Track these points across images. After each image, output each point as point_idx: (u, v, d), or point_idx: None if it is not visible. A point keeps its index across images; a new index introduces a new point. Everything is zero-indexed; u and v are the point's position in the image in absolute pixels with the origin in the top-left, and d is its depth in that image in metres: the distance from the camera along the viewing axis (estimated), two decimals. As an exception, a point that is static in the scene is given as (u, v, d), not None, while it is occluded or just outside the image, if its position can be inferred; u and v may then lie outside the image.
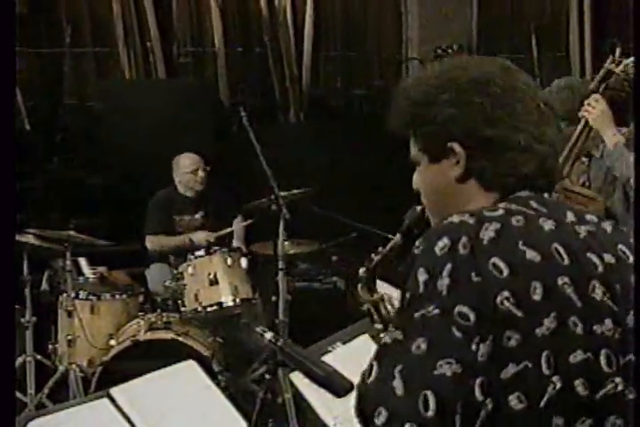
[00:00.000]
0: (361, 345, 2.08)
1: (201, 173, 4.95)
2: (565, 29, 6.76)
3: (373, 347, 2.02)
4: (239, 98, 6.39)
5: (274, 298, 4.22)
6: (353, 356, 2.01)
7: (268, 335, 1.69)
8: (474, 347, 1.17)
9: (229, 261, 4.41)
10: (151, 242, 4.91)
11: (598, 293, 1.26)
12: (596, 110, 3.21)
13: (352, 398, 1.55)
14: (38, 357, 4.28)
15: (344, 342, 2.09)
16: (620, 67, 3.18)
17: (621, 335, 1.27)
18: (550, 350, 1.20)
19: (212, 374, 2.33)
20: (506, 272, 1.20)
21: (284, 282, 4.11)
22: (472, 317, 1.17)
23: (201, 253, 4.44)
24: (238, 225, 5.02)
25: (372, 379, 1.21)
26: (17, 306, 4.18)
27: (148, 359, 3.89)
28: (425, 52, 6.77)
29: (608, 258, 1.31)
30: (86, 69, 6.32)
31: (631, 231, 1.40)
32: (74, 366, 4.16)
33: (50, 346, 4.37)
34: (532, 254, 1.22)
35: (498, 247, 1.21)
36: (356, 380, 1.57)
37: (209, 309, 4.29)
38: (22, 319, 4.17)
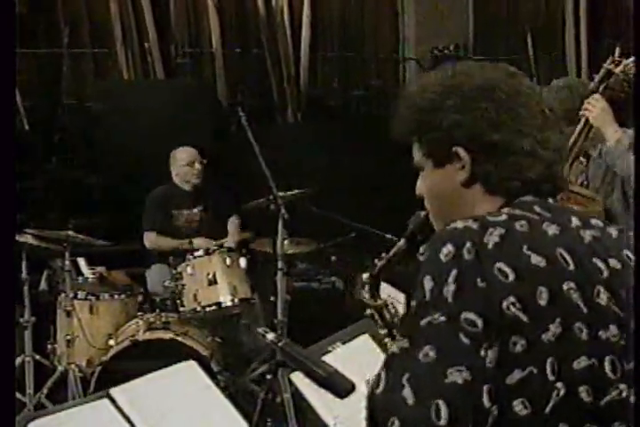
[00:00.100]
0: (361, 345, 2.08)
1: (197, 166, 4.96)
2: (561, 30, 6.75)
3: (373, 347, 2.03)
4: (237, 98, 6.39)
5: (272, 298, 4.23)
6: (353, 356, 2.01)
7: (270, 336, 1.69)
8: (482, 353, 1.16)
9: (228, 261, 4.41)
10: (149, 240, 4.91)
11: (603, 298, 1.26)
12: (596, 109, 3.21)
13: (352, 398, 1.57)
14: (37, 357, 4.27)
15: (344, 342, 2.09)
16: (620, 67, 3.18)
17: (626, 341, 1.26)
18: (555, 356, 1.20)
19: (210, 374, 2.33)
20: (511, 277, 1.19)
21: (283, 282, 4.11)
22: (479, 323, 1.16)
23: (200, 253, 4.44)
24: (232, 224, 5.03)
25: (380, 389, 1.19)
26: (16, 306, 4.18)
27: (147, 359, 3.89)
28: (422, 52, 6.78)
29: (613, 263, 1.31)
30: (84, 70, 6.32)
31: (631, 232, 1.39)
32: (73, 366, 4.15)
33: (49, 346, 4.37)
34: (537, 259, 1.22)
35: (502, 252, 1.21)
36: (356, 380, 1.58)
37: (208, 309, 4.29)
38: (21, 319, 4.17)
